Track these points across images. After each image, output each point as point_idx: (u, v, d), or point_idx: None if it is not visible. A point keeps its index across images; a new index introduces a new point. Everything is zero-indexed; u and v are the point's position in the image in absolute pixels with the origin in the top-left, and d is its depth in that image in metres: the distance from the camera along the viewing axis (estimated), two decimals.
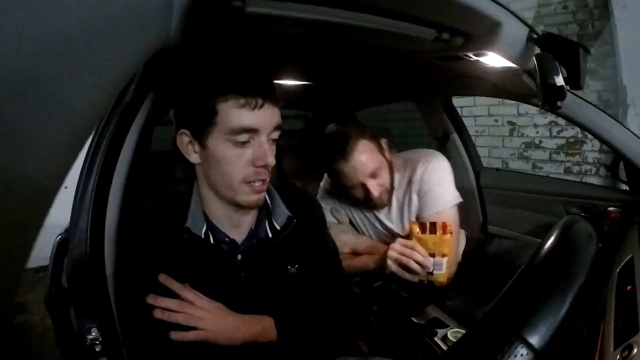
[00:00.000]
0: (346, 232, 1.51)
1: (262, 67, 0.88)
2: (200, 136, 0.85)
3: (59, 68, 0.25)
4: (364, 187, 1.37)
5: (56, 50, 0.24)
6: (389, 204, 1.47)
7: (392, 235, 1.52)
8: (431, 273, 1.27)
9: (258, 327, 0.89)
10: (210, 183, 0.90)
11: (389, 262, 1.26)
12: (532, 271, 0.64)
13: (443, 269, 1.26)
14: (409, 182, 1.46)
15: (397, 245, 1.26)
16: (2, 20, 0.21)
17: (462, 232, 1.76)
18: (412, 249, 1.23)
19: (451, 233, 1.27)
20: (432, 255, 1.25)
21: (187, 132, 0.87)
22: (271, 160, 0.84)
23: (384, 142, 1.44)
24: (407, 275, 1.25)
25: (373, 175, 1.36)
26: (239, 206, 0.90)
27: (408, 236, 1.30)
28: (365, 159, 1.34)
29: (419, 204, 1.45)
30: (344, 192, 1.46)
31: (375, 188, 1.37)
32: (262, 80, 0.85)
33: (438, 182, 1.41)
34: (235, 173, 0.85)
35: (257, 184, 0.87)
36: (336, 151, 1.34)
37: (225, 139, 0.83)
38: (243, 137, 0.82)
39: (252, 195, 0.87)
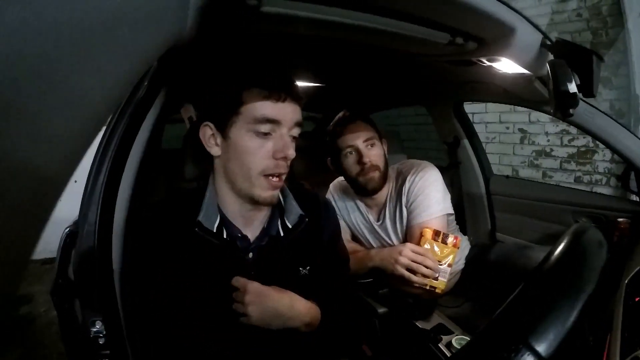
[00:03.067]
0: None
1: (284, 63, 0.89)
2: (224, 127, 0.87)
3: (77, 54, 0.25)
4: (358, 152, 1.44)
5: (76, 36, 0.24)
6: (379, 188, 1.50)
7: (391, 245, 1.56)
8: (436, 279, 1.33)
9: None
10: (228, 176, 0.91)
11: (399, 267, 1.31)
12: (541, 277, 0.63)
13: (446, 277, 1.34)
14: (399, 195, 1.51)
15: (409, 252, 1.30)
16: (28, 1, 0.21)
17: (466, 238, 1.75)
18: (424, 255, 1.30)
19: (458, 247, 1.35)
20: (439, 262, 1.32)
21: (211, 124, 0.89)
22: (291, 153, 0.86)
23: (384, 141, 1.53)
24: (414, 278, 1.30)
25: (367, 144, 1.44)
26: (253, 201, 0.90)
27: (418, 240, 1.37)
28: (362, 126, 1.46)
29: (407, 216, 1.49)
30: (339, 166, 1.52)
31: (367, 154, 1.43)
32: (285, 76, 0.88)
33: (424, 194, 1.45)
34: (255, 164, 0.86)
35: (274, 179, 0.87)
36: (340, 121, 1.48)
37: (247, 128, 0.84)
38: (265, 128, 0.84)
39: (268, 190, 0.88)
